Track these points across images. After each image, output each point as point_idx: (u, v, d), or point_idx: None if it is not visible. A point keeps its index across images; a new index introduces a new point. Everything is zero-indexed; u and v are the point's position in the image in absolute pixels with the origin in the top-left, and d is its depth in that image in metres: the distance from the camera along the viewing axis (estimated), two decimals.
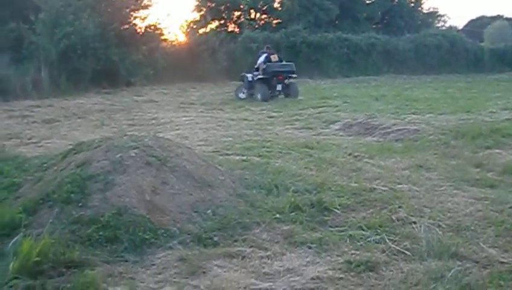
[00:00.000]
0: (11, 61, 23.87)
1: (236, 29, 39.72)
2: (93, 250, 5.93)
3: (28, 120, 17.35)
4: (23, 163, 9.94)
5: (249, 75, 24.40)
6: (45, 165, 9.00)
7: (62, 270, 5.45)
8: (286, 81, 23.92)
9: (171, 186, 7.29)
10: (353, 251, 6.07)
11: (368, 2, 45.43)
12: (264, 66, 23.76)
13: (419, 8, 49.33)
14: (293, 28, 36.02)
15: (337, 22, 40.46)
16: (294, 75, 24.39)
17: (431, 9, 50.67)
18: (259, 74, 23.86)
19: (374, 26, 45.42)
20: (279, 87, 23.73)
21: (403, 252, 6.00)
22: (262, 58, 24.28)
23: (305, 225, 6.89)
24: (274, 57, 24.40)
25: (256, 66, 24.40)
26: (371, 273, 5.53)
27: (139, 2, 31.26)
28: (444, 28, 51.33)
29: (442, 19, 52.39)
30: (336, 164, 10.27)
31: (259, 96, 23.46)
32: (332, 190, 8.31)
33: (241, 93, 24.52)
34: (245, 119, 17.42)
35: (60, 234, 6.08)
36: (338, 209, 7.44)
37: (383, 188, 8.50)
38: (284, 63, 24.76)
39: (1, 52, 23.84)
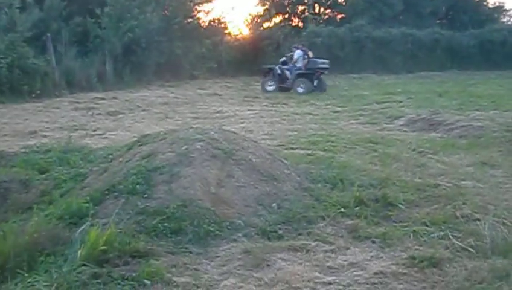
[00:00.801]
0: (78, 54, 24.25)
1: (300, 24, 39.44)
2: (158, 241, 5.96)
3: (92, 112, 17.54)
4: (89, 154, 10.04)
5: (277, 68, 25.04)
6: (110, 156, 9.13)
7: (127, 260, 5.49)
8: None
9: (236, 179, 7.27)
10: (417, 247, 6.00)
11: None
12: (306, 62, 24.49)
13: (484, 3, 48.24)
14: (357, 23, 35.67)
15: (401, 17, 39.92)
16: (327, 72, 25.20)
17: (496, 4, 49.55)
18: (299, 69, 24.52)
19: (438, 21, 44.62)
20: (315, 82, 24.35)
21: (467, 249, 5.89)
22: (299, 54, 24.92)
23: (369, 219, 6.84)
24: (310, 54, 25.13)
25: (294, 61, 24.93)
26: (434, 270, 5.45)
27: None
28: (510, 23, 50.17)
29: (508, 13, 51.10)
30: (400, 159, 10.16)
31: (301, 90, 24.08)
32: (397, 185, 8.22)
33: (269, 86, 24.93)
34: (310, 114, 17.34)
35: (126, 224, 6.13)
36: (402, 204, 7.36)
37: (447, 185, 8.38)
38: (322, 60, 25.29)
39: (68, 46, 24.23)
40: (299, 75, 24.44)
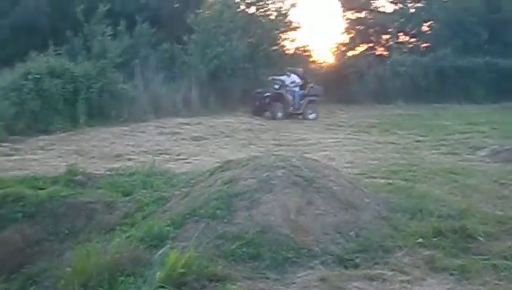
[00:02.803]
0: (164, 79, 24.71)
1: (385, 53, 39.22)
2: (235, 265, 6.01)
3: (177, 137, 17.84)
4: (172, 178, 10.19)
5: (286, 93, 24.55)
6: (193, 181, 9.22)
7: (205, 283, 5.57)
8: None
9: (316, 206, 7.26)
10: (496, 281, 5.88)
11: None
12: (311, 87, 25.01)
13: None
14: (441, 52, 35.19)
15: (486, 46, 39.15)
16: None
17: None
18: (307, 95, 24.69)
19: None
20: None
21: None
22: (294, 79, 24.93)
23: (448, 251, 6.71)
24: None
25: (286, 85, 24.66)
26: None
27: (288, 23, 31.63)
28: None
29: None
30: (481, 191, 9.95)
31: (312, 116, 24.44)
32: (477, 216, 8.03)
33: (279, 113, 24.25)
34: (392, 143, 17.20)
35: (205, 248, 6.21)
36: (482, 237, 7.17)
37: None
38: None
39: (155, 71, 24.75)
40: (308, 100, 24.62)
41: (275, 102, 24.32)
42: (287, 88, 24.56)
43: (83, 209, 8.50)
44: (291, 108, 24.45)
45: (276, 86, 24.61)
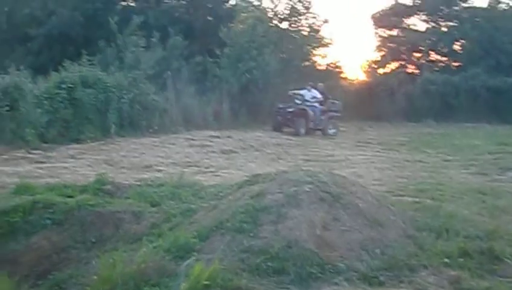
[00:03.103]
0: (196, 92, 24.87)
1: (416, 71, 39.08)
2: (260, 279, 6.04)
3: (206, 149, 17.93)
4: (200, 190, 10.21)
5: (309, 109, 24.29)
6: (221, 194, 9.31)
7: None
8: None
9: (342, 223, 7.24)
10: None
11: None
12: (331, 103, 25.05)
13: None
14: (472, 71, 34.93)
15: None
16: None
17: None
18: (331, 110, 24.81)
19: None
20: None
21: None
22: (314, 94, 24.80)
23: (473, 272, 6.64)
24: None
25: (320, 100, 24.69)
26: None
27: (320, 39, 31.72)
28: None
29: None
30: (509, 212, 9.83)
31: (333, 131, 24.58)
32: (504, 238, 7.90)
33: (302, 129, 24.03)
34: (420, 161, 17.11)
35: (230, 261, 6.26)
36: (509, 258, 7.06)
37: None
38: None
39: (187, 84, 24.91)
40: (332, 116, 24.74)
41: (298, 118, 24.14)
42: (308, 103, 24.46)
43: (111, 219, 8.56)
44: (312, 123, 24.30)
45: (298, 102, 24.49)
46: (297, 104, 24.35)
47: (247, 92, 26.77)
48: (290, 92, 25.14)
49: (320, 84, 26.02)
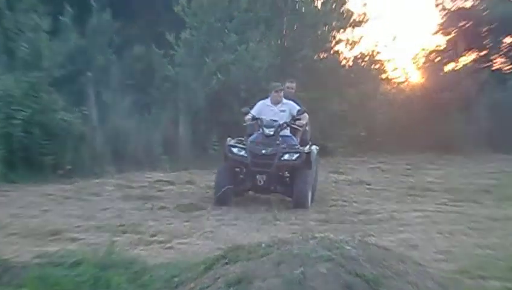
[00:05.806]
0: (134, 107, 17.97)
1: (507, 67, 28.23)
2: None
3: (152, 204, 13.17)
4: (142, 273, 7.63)
5: None
6: (176, 279, 7.04)
7: None
8: None
9: None
10: None
11: None
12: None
13: None
14: None
15: None
16: None
17: None
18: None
19: None
20: None
21: None
22: (293, 107, 14.33)
23: None
24: None
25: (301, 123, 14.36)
26: None
27: (345, 15, 22.23)
28: None
29: None
30: None
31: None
32: None
33: None
34: None
35: None
36: None
37: None
38: None
39: (121, 93, 18.21)
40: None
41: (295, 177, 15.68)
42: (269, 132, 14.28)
43: None
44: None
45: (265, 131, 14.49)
46: (268, 136, 13.88)
47: (220, 106, 19.17)
48: (246, 115, 14.59)
49: (289, 83, 14.60)
